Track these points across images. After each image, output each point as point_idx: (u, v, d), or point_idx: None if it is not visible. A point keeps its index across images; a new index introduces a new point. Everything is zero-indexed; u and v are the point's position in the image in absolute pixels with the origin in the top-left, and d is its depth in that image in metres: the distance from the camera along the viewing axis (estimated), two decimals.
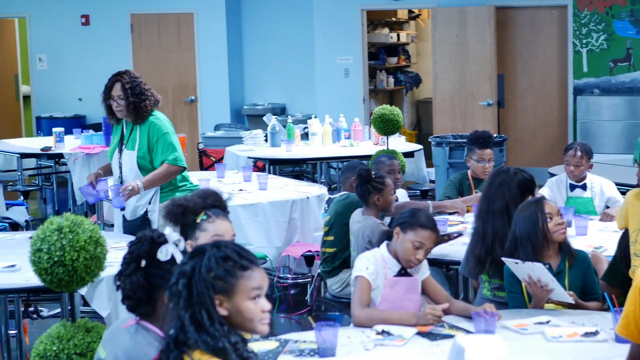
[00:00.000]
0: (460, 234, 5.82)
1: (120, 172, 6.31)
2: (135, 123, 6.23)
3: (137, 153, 6.20)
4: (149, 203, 6.26)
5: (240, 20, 14.14)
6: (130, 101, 6.14)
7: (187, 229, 3.83)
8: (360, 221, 5.68)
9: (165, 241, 3.19)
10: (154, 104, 6.25)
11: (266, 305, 2.76)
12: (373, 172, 5.73)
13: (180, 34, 14.08)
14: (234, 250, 2.73)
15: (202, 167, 11.40)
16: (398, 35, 15.47)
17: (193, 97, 14.13)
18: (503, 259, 4.53)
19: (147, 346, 3.10)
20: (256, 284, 2.73)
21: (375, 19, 15.13)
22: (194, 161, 12.45)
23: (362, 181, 5.68)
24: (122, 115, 6.23)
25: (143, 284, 3.16)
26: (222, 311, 2.69)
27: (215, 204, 3.90)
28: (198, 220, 3.83)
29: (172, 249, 3.17)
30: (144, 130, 6.20)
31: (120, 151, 6.30)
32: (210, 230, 3.80)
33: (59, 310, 6.37)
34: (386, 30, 15.27)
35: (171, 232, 3.21)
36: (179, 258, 3.16)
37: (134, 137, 6.23)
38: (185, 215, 3.84)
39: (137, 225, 6.10)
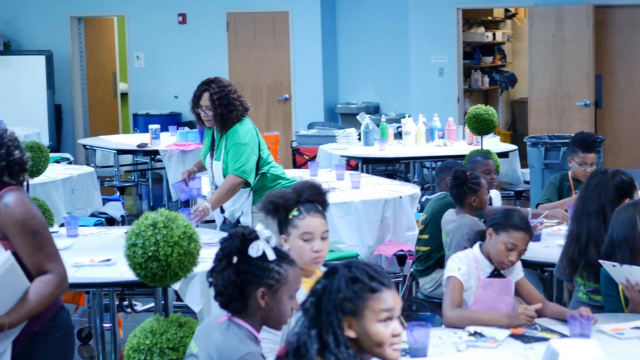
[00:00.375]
0: (541, 223, 5.77)
1: (213, 178, 6.32)
2: (221, 133, 6.19)
3: (222, 165, 6.17)
4: (242, 210, 6.22)
5: (335, 19, 14.15)
6: (218, 112, 6.05)
7: (282, 224, 3.85)
8: (455, 220, 5.64)
9: (256, 237, 3.19)
10: (241, 114, 6.14)
11: (397, 329, 2.74)
12: (468, 173, 5.69)
13: (275, 33, 14.15)
14: (364, 271, 2.73)
15: (295, 165, 11.44)
16: (494, 34, 15.32)
17: (287, 96, 14.19)
18: (600, 261, 4.44)
19: (238, 342, 3.10)
20: (386, 307, 2.72)
21: (471, 18, 15.01)
22: (287, 159, 12.49)
23: (459, 182, 5.65)
24: (210, 125, 6.18)
25: (234, 280, 3.16)
26: (350, 333, 2.70)
27: (310, 198, 3.86)
28: (290, 217, 3.82)
29: (264, 245, 3.17)
30: (227, 140, 6.14)
31: (212, 156, 6.30)
32: (300, 227, 3.79)
33: (152, 304, 6.46)
34: (482, 29, 15.13)
35: (262, 229, 3.21)
36: (270, 254, 3.16)
37: (220, 148, 6.17)
38: (278, 211, 3.84)
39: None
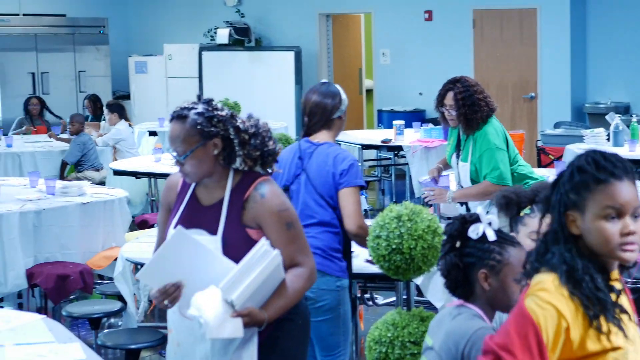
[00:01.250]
0: None
1: (459, 179, 6.25)
2: (466, 134, 6.11)
3: (469, 166, 6.07)
4: (487, 209, 6.12)
5: (585, 15, 13.77)
6: (461, 112, 5.95)
7: (512, 222, 3.79)
8: None
9: (477, 220, 3.15)
10: (486, 115, 6.02)
11: (629, 226, 2.38)
12: None
13: (522, 30, 13.92)
14: (593, 160, 2.43)
15: (540, 165, 11.21)
16: None
17: (533, 94, 13.94)
18: None
19: (468, 321, 3.07)
20: (611, 202, 2.40)
21: None
22: (532, 158, 12.26)
23: None
24: (454, 124, 6.09)
25: (457, 263, 3.15)
26: (574, 229, 2.43)
27: None
28: (521, 214, 3.76)
29: (484, 227, 3.12)
30: (475, 141, 6.03)
31: (458, 156, 6.23)
32: (530, 225, 3.72)
33: (393, 299, 6.48)
34: None
35: (483, 211, 3.17)
36: (490, 235, 3.11)
37: (467, 148, 6.07)
38: (509, 207, 3.78)
39: None
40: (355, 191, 4.67)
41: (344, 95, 4.90)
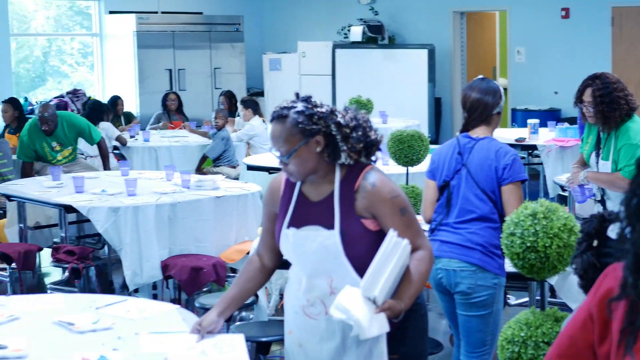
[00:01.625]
0: None
1: None
2: (606, 132, 5.94)
3: (610, 165, 5.91)
4: None
5: None
6: (599, 109, 5.81)
7: None
8: None
9: (616, 218, 3.05)
10: (625, 113, 5.84)
11: None
12: None
13: None
14: None
15: None
16: None
17: None
18: None
19: None
20: None
21: None
22: None
23: None
24: (592, 122, 5.94)
25: (594, 262, 3.05)
26: None
27: None
28: None
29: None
30: (617, 138, 5.88)
31: (597, 155, 6.08)
32: None
33: (526, 299, 6.39)
34: None
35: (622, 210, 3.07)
36: None
37: (608, 147, 5.93)
38: None
39: None
40: (519, 186, 4.75)
41: (502, 91, 4.92)
